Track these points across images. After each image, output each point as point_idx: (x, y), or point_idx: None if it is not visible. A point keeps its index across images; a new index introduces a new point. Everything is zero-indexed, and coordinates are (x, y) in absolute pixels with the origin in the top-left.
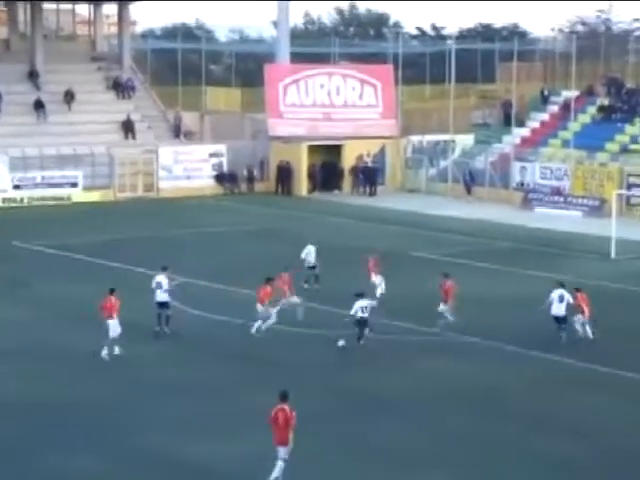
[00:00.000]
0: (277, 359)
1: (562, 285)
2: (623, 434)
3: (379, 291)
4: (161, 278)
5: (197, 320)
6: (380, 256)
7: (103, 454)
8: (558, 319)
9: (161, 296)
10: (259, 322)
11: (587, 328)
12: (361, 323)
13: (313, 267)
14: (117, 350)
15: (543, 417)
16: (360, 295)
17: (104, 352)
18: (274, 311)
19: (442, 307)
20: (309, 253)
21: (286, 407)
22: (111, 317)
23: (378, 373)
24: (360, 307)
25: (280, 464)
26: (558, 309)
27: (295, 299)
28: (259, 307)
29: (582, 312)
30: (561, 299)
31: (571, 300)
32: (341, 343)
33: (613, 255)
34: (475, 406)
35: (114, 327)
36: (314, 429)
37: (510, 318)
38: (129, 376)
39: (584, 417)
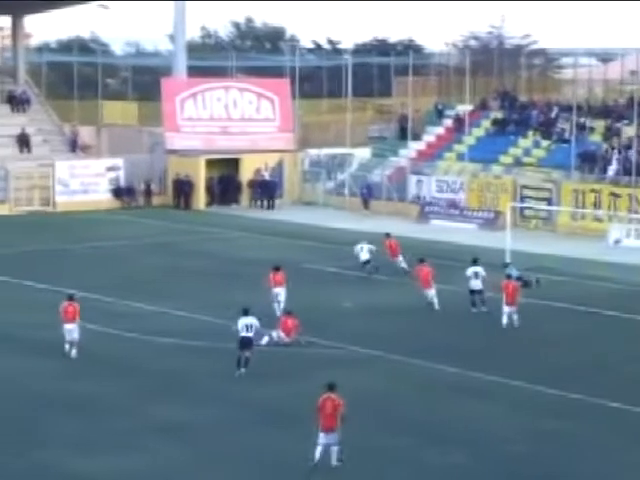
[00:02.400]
0: (172, 371)
1: (476, 262)
2: (507, 440)
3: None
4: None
5: (92, 334)
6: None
7: None
8: (475, 292)
9: None
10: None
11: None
12: (244, 344)
13: (367, 262)
14: (73, 353)
15: (432, 426)
16: (246, 312)
17: (73, 352)
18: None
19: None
20: (361, 249)
21: (334, 396)
22: (70, 321)
23: (275, 385)
24: (245, 325)
25: (336, 449)
26: (475, 284)
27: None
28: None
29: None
30: (476, 275)
31: (484, 273)
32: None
33: None
34: (366, 417)
35: (71, 331)
36: (202, 441)
37: (400, 328)
38: (25, 391)
39: (470, 425)
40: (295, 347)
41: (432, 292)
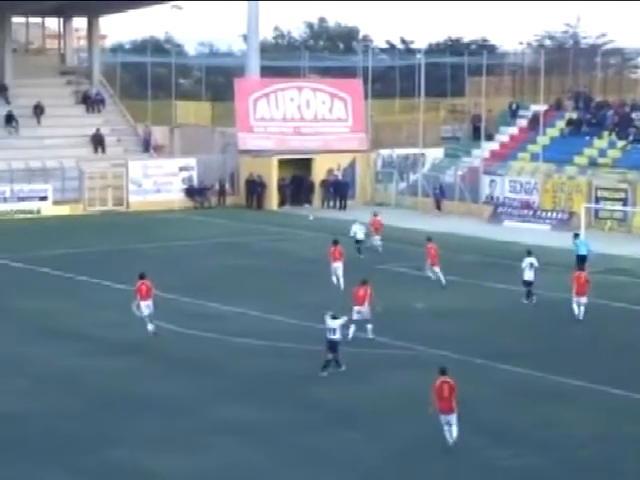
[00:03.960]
0: (245, 371)
1: (530, 253)
2: (583, 444)
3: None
4: None
5: (165, 333)
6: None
7: (67, 466)
8: (528, 284)
9: None
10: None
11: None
12: (329, 346)
13: (361, 241)
14: (151, 328)
15: (506, 428)
16: (333, 316)
17: (149, 327)
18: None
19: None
20: (360, 228)
21: (449, 379)
22: (145, 299)
23: (345, 386)
24: (330, 328)
25: (455, 428)
26: (530, 275)
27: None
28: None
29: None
30: (531, 266)
31: (537, 265)
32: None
33: None
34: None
35: (147, 307)
36: (273, 441)
37: (473, 330)
38: (96, 389)
39: (546, 427)
40: (371, 347)
41: (438, 269)
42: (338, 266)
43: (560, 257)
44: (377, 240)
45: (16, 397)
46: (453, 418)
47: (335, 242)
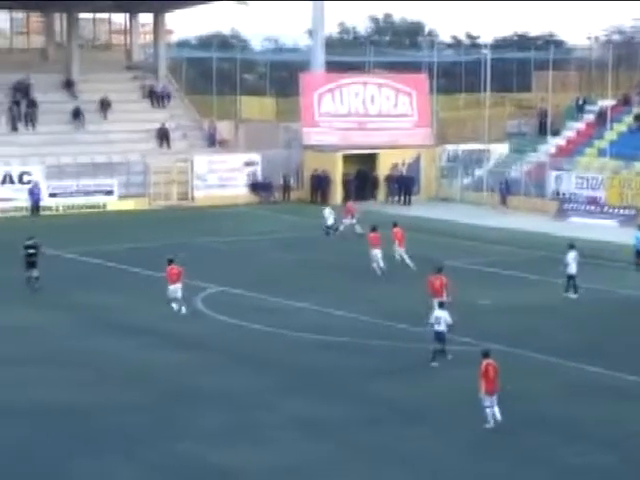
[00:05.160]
0: (312, 367)
1: (573, 247)
2: None
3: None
4: None
5: (230, 328)
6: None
7: (134, 459)
8: (572, 277)
9: None
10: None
11: (406, 258)
12: (437, 337)
13: (330, 226)
14: (184, 309)
15: (572, 426)
16: (440, 305)
17: (183, 309)
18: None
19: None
20: (330, 214)
21: (492, 361)
22: (175, 282)
23: (410, 381)
24: (435, 317)
25: (497, 409)
26: (573, 269)
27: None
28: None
29: (399, 244)
30: (574, 260)
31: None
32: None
33: None
34: (505, 415)
35: (175, 291)
36: (339, 437)
37: (541, 327)
38: (162, 383)
39: (612, 425)
40: (423, 343)
41: (403, 250)
42: (377, 252)
43: (628, 254)
44: (346, 222)
45: (83, 390)
46: (492, 400)
47: (374, 228)
